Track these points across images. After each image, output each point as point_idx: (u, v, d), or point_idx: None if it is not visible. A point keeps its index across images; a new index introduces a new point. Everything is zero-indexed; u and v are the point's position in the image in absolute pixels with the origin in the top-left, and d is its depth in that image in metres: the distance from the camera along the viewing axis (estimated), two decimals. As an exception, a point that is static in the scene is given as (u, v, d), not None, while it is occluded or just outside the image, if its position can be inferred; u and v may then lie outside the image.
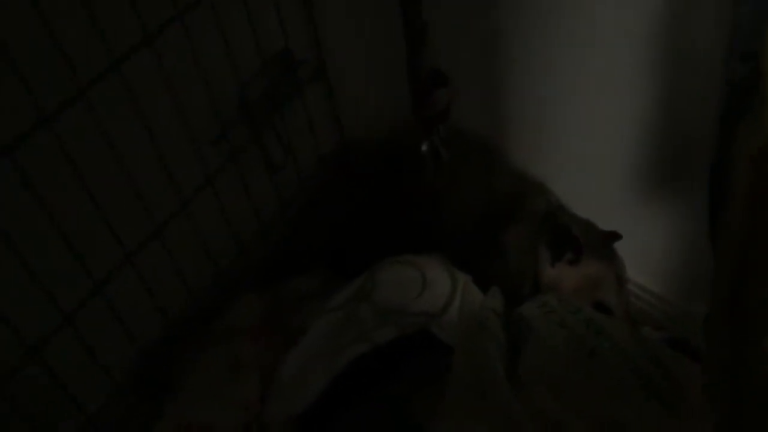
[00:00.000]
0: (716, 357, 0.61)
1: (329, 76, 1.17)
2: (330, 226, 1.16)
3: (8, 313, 0.78)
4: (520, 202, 1.05)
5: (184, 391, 0.93)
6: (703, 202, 0.65)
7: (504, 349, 0.88)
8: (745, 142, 0.55)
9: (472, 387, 0.83)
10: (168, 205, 0.96)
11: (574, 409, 0.81)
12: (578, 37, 0.92)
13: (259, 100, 1.04)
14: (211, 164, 1.01)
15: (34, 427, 0.84)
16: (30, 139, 0.76)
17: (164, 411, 0.91)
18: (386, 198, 1.12)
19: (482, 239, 1.05)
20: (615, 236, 1.01)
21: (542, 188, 1.08)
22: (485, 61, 1.04)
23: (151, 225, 0.94)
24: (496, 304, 0.94)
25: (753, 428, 0.57)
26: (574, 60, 0.95)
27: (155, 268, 0.95)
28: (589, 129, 1.00)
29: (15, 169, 0.75)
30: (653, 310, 1.09)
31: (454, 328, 0.92)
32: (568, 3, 0.90)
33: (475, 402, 0.82)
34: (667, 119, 0.92)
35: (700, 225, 0.66)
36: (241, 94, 1.01)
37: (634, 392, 0.82)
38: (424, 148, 0.99)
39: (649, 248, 1.05)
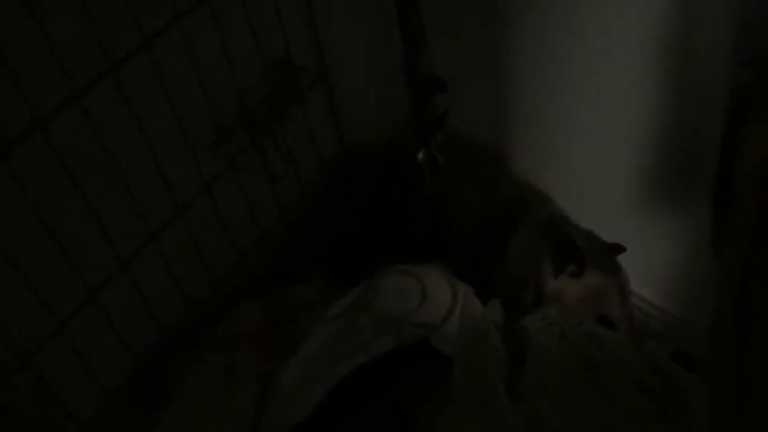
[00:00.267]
0: (719, 366, 0.60)
1: (330, 82, 1.17)
2: (330, 233, 1.15)
3: (1, 319, 0.77)
4: (523, 209, 1.04)
5: (180, 400, 0.92)
6: (707, 213, 0.64)
7: (504, 360, 0.88)
8: (752, 147, 0.55)
9: (472, 398, 0.82)
10: (165, 211, 0.95)
11: (575, 421, 0.80)
12: (582, 43, 0.91)
13: (259, 107, 1.04)
14: (210, 170, 1.00)
15: (27, 435, 0.83)
16: (25, 143, 0.75)
17: (159, 420, 0.90)
18: (387, 205, 1.12)
19: (484, 247, 1.05)
20: (618, 249, 1.00)
21: (545, 196, 1.07)
22: (489, 67, 1.03)
23: (148, 231, 0.93)
24: (496, 316, 0.94)
25: None
26: (578, 67, 0.94)
27: (152, 275, 0.95)
28: (591, 138, 1.00)
29: (9, 174, 0.74)
30: (656, 322, 1.09)
31: (454, 340, 0.91)
32: (572, 7, 0.89)
33: (475, 413, 0.81)
34: (671, 128, 0.91)
35: (704, 238, 0.66)
36: (241, 100, 1.01)
37: (637, 406, 0.81)
38: (420, 156, 0.98)
39: (652, 261, 1.04)
